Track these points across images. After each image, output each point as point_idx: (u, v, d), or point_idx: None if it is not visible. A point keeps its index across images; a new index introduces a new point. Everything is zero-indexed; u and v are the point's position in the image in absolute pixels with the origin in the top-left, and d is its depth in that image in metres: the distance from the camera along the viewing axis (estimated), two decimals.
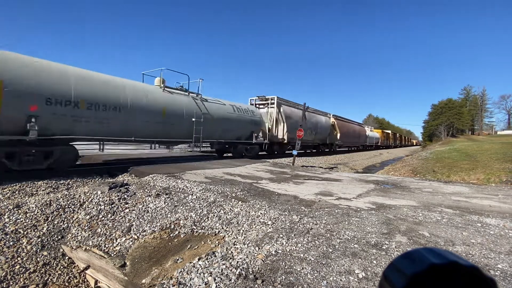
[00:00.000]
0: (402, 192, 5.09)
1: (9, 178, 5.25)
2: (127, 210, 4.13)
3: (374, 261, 2.24)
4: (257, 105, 14.93)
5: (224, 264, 2.34)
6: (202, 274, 2.25)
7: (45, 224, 3.72)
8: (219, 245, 2.84)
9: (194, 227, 3.39)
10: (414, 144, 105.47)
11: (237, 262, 2.36)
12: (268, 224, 3.19)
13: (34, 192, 4.79)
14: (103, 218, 3.92)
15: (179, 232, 3.37)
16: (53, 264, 3.30)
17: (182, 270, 2.36)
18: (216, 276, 2.19)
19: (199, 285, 2.12)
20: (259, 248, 2.57)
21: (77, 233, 3.68)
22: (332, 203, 4.08)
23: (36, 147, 5.80)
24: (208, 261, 2.44)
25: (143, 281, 2.54)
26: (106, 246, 3.38)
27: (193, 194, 4.44)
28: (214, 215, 3.64)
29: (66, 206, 4.14)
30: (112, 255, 3.18)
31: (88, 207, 4.18)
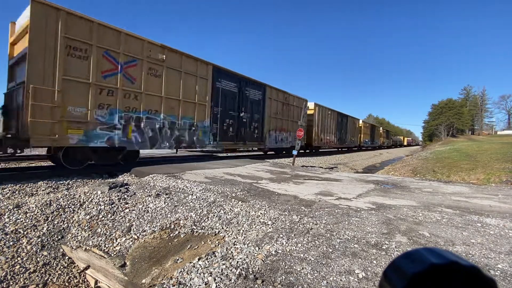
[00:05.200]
0: (402, 192, 5.09)
1: (9, 178, 5.25)
2: (127, 210, 4.13)
3: (374, 261, 2.24)
4: None
5: (224, 264, 2.34)
6: (202, 274, 2.25)
7: (45, 224, 3.72)
8: (219, 245, 2.84)
9: (194, 227, 3.39)
10: (404, 143, 75.51)
11: (237, 262, 2.36)
12: (268, 224, 3.19)
13: (34, 192, 4.78)
14: (103, 218, 3.92)
15: (179, 232, 3.37)
16: (53, 264, 3.30)
17: (182, 270, 2.36)
18: (216, 276, 2.19)
19: (199, 285, 2.12)
20: (259, 248, 2.57)
21: (77, 233, 3.68)
22: (332, 203, 4.08)
23: None
24: (208, 261, 2.44)
25: (143, 281, 2.54)
26: (106, 246, 3.38)
27: (193, 194, 4.44)
28: (214, 215, 3.64)
29: (66, 206, 4.14)
30: (112, 255, 3.18)
31: (88, 207, 4.18)
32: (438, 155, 18.75)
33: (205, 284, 2.12)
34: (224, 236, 3.08)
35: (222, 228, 3.28)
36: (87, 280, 3.26)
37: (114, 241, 3.45)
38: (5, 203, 3.99)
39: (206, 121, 9.44)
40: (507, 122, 73.68)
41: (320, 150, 20.71)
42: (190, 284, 2.14)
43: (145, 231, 3.53)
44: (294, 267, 2.20)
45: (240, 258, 2.41)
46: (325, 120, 19.58)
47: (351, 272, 2.09)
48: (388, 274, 0.36)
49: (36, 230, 3.59)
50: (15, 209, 3.84)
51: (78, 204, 4.24)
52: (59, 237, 3.63)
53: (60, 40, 5.53)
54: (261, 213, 3.54)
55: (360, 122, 29.83)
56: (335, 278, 2.03)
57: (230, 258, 2.45)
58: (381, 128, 45.13)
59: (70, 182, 5.58)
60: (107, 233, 3.60)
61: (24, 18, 5.72)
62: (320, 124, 18.78)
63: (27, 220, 3.69)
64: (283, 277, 2.08)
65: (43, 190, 4.93)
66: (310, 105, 17.70)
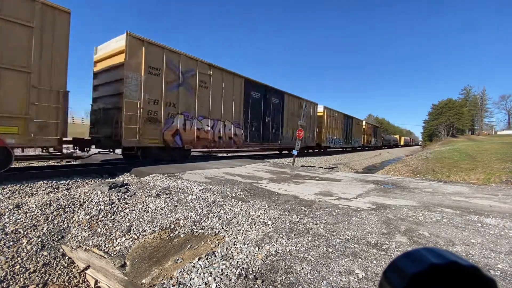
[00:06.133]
0: (402, 192, 5.09)
1: (9, 178, 5.25)
2: (127, 210, 4.13)
3: (374, 261, 2.24)
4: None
5: (224, 264, 2.34)
6: (202, 274, 2.25)
7: (45, 224, 3.72)
8: (219, 245, 2.84)
9: (194, 227, 3.39)
10: (401, 143, 63.84)
11: (237, 262, 2.36)
12: (268, 224, 3.19)
13: (34, 192, 4.78)
14: (103, 218, 3.92)
15: (179, 232, 3.37)
16: (53, 264, 3.31)
17: (182, 270, 2.36)
18: (216, 276, 2.19)
19: (199, 285, 2.12)
20: (259, 248, 2.57)
21: (77, 233, 3.68)
22: (332, 203, 4.08)
23: None
24: (208, 261, 2.44)
25: (143, 281, 2.54)
26: (106, 246, 3.38)
27: (193, 194, 4.43)
28: (214, 215, 3.64)
29: (66, 206, 4.14)
30: (112, 255, 3.18)
31: (88, 207, 4.18)
32: (438, 155, 18.75)
33: (205, 284, 2.12)
34: (224, 236, 3.08)
35: (222, 228, 3.28)
36: (87, 280, 3.27)
37: (114, 241, 3.45)
38: (5, 203, 3.99)
39: None
40: (507, 122, 73.67)
41: (186, 161, 8.92)
42: (190, 284, 2.14)
43: (145, 231, 3.53)
44: (294, 267, 2.20)
45: (240, 258, 2.41)
46: (213, 95, 9.64)
47: (351, 272, 2.09)
48: (388, 274, 0.36)
49: (36, 230, 3.59)
50: (15, 209, 3.84)
51: (78, 204, 4.24)
52: (59, 237, 3.63)
53: None
54: (261, 213, 3.54)
55: (321, 109, 18.85)
56: (335, 278, 2.03)
57: (230, 258, 2.45)
58: (364, 122, 31.53)
59: (70, 182, 5.58)
60: (107, 233, 3.60)
61: None
62: (185, 102, 8.65)
63: (27, 220, 3.69)
64: (283, 277, 2.08)
65: (43, 190, 4.93)
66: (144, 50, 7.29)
